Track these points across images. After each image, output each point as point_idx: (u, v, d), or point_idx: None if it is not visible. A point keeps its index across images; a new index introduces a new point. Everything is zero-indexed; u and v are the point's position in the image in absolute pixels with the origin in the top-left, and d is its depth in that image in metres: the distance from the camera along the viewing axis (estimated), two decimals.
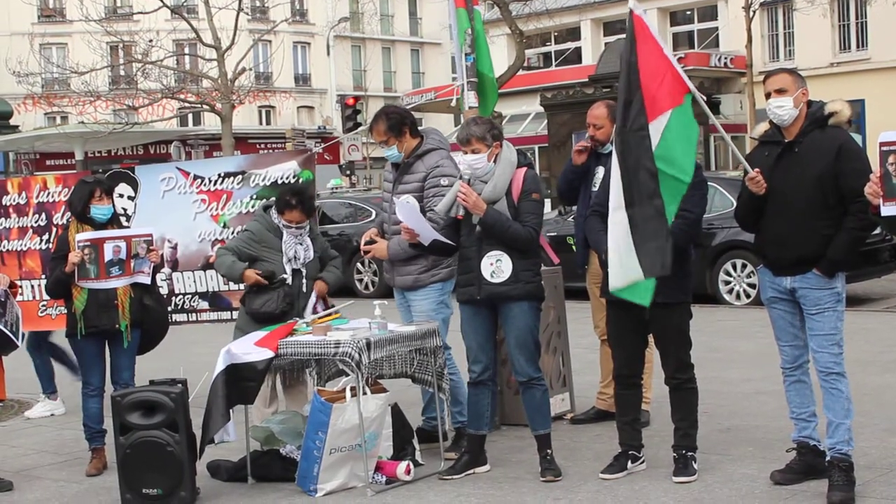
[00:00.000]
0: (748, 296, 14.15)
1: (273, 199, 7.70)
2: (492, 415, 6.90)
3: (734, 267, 14.43)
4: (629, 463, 6.45)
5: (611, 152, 7.32)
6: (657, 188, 5.74)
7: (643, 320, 6.32)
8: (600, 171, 7.45)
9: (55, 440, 8.32)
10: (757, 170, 5.89)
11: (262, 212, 7.52)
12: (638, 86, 5.76)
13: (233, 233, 8.88)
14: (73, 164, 35.22)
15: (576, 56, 41.45)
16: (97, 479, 7.08)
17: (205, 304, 9.17)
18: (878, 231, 13.65)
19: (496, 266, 6.46)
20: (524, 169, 6.59)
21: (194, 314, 9.21)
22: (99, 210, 7.20)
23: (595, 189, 7.37)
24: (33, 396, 10.02)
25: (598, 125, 7.54)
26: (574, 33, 41.91)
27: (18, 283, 8.15)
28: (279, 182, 8.75)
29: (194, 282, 9.16)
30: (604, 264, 6.39)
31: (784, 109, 5.86)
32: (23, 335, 7.05)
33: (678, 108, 5.79)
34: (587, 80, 30.75)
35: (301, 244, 7.35)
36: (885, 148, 5.13)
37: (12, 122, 35.70)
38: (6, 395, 7.38)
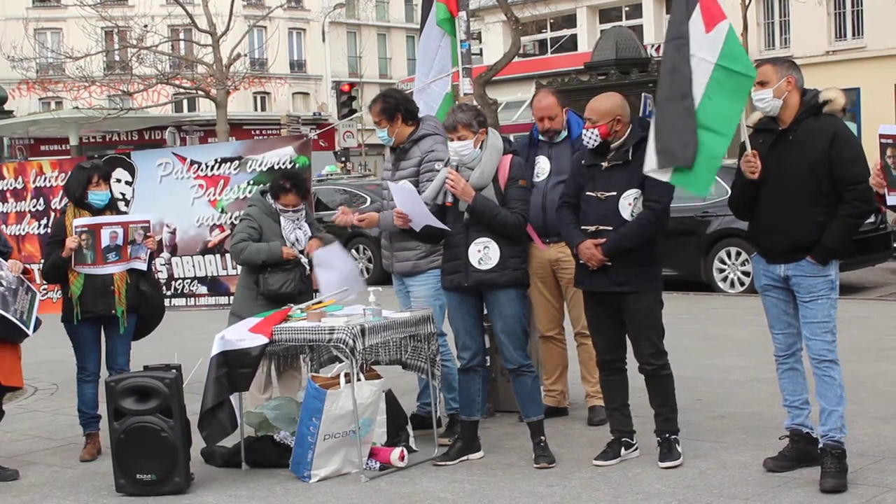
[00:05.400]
0: (742, 284, 14.14)
1: (269, 184, 7.71)
2: (483, 400, 6.90)
3: (728, 255, 14.41)
4: (623, 450, 6.46)
5: (564, 139, 7.34)
6: (689, 90, 5.90)
7: (618, 306, 6.33)
8: (541, 160, 7.34)
9: (49, 425, 8.32)
10: (754, 150, 5.90)
11: (259, 196, 7.51)
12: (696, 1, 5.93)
13: (230, 217, 8.90)
14: (67, 149, 35.17)
15: (571, 43, 41.42)
16: (91, 465, 7.08)
17: (203, 289, 9.22)
18: (872, 220, 13.82)
19: (484, 253, 6.45)
20: (510, 156, 6.58)
21: (193, 298, 9.27)
22: (96, 196, 7.19)
23: (537, 180, 7.27)
24: (34, 383, 10.00)
25: (552, 116, 7.32)
26: (570, 20, 41.87)
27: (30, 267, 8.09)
28: (275, 167, 8.77)
29: (193, 266, 9.20)
30: (576, 256, 6.39)
31: (765, 101, 5.89)
32: (37, 321, 6.94)
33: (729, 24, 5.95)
34: (583, 67, 30.64)
35: (300, 228, 7.36)
36: (883, 140, 5.22)
37: (7, 107, 35.62)
38: (23, 382, 7.33)
